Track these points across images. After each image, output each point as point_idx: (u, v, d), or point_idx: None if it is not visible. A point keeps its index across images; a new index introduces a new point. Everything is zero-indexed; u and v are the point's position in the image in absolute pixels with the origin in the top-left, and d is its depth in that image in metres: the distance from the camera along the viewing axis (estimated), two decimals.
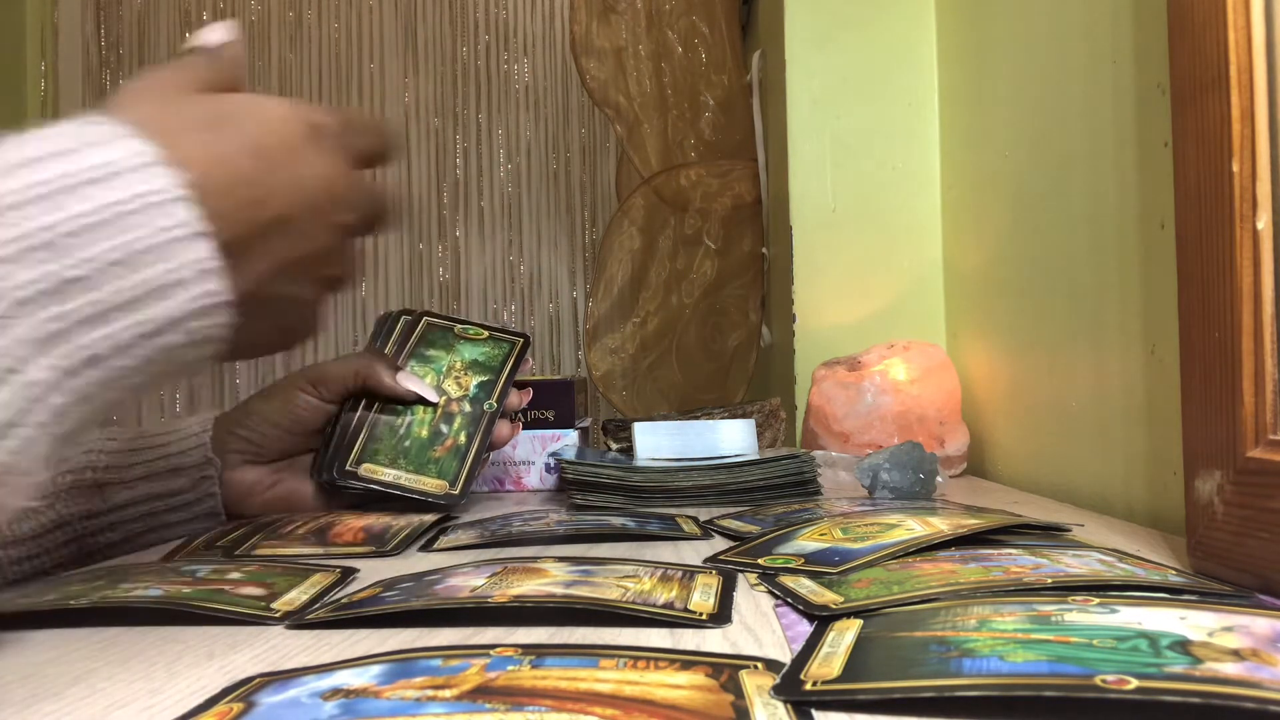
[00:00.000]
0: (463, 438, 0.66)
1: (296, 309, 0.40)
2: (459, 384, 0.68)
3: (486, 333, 0.72)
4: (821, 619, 0.33)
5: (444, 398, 0.67)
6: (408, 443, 0.65)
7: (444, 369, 0.69)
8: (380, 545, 0.52)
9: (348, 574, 0.45)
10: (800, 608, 0.35)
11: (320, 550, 0.52)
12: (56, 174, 0.30)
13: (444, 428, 0.66)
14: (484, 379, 0.69)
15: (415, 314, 0.72)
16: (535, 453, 0.82)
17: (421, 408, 0.67)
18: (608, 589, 0.37)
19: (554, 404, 0.83)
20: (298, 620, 0.36)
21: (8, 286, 0.28)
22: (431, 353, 0.70)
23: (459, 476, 0.64)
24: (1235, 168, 0.38)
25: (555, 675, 0.27)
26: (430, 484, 0.63)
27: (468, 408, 0.67)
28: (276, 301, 0.38)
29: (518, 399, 0.70)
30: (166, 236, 0.31)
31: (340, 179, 0.39)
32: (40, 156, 0.30)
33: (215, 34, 0.40)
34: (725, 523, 0.57)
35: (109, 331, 0.30)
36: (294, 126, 0.38)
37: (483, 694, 0.25)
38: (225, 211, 0.34)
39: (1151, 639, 0.27)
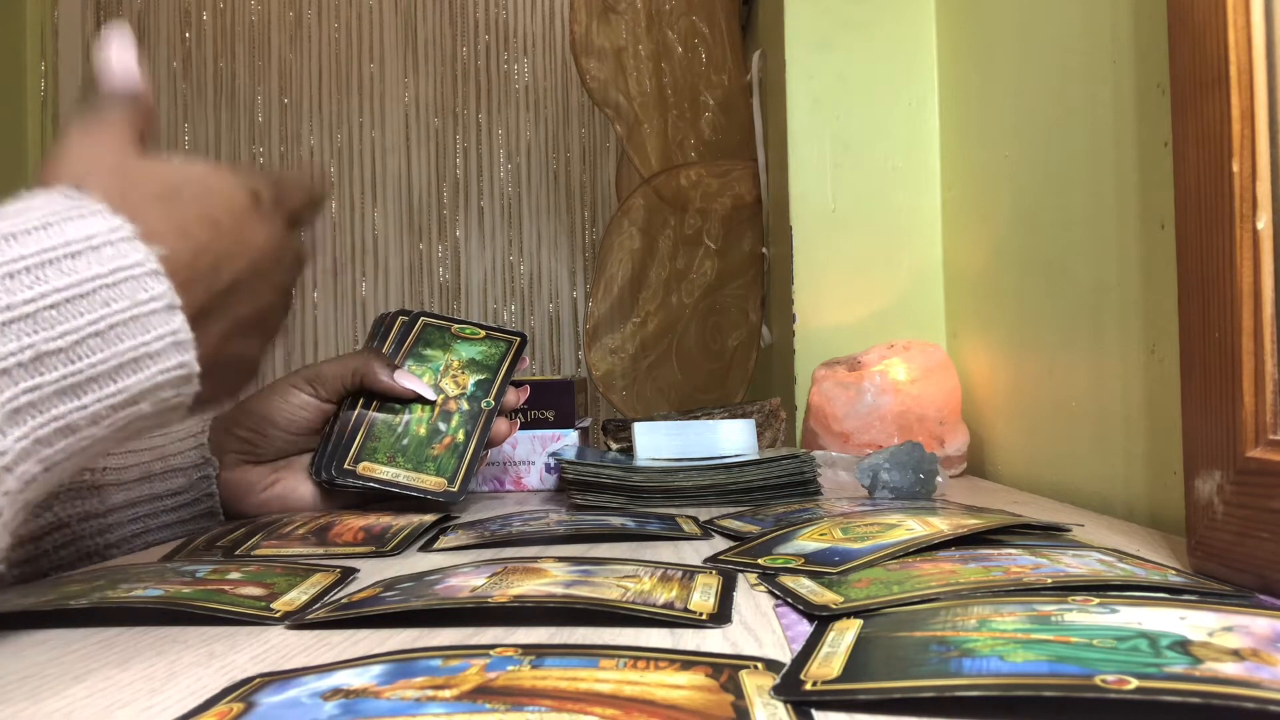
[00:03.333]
0: (461, 435, 0.66)
1: (244, 364, 0.42)
2: (456, 382, 0.68)
3: (483, 332, 0.72)
4: (821, 619, 0.33)
5: (441, 396, 0.67)
6: (406, 441, 0.65)
7: (441, 368, 0.69)
8: (380, 545, 0.52)
9: (348, 574, 0.45)
10: (800, 608, 0.35)
11: (320, 550, 0.52)
12: (36, 248, 0.31)
13: (442, 426, 0.66)
14: (481, 377, 0.69)
15: (412, 314, 0.72)
16: (535, 453, 0.82)
17: (420, 406, 0.67)
18: (608, 589, 0.37)
19: (554, 404, 0.83)
20: (298, 620, 0.36)
21: None
22: (428, 352, 0.70)
23: (457, 474, 0.64)
24: (1235, 168, 0.38)
25: (555, 675, 0.27)
26: (429, 481, 0.63)
27: (465, 406, 0.67)
28: (230, 360, 0.40)
29: (515, 397, 0.70)
30: (144, 309, 0.32)
31: (279, 241, 0.41)
32: (18, 231, 0.31)
33: (116, 51, 0.40)
34: (725, 523, 0.57)
35: (83, 403, 0.31)
36: (239, 195, 0.39)
37: (483, 694, 0.25)
38: (189, 282, 0.35)
39: (1151, 639, 0.27)
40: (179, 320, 0.33)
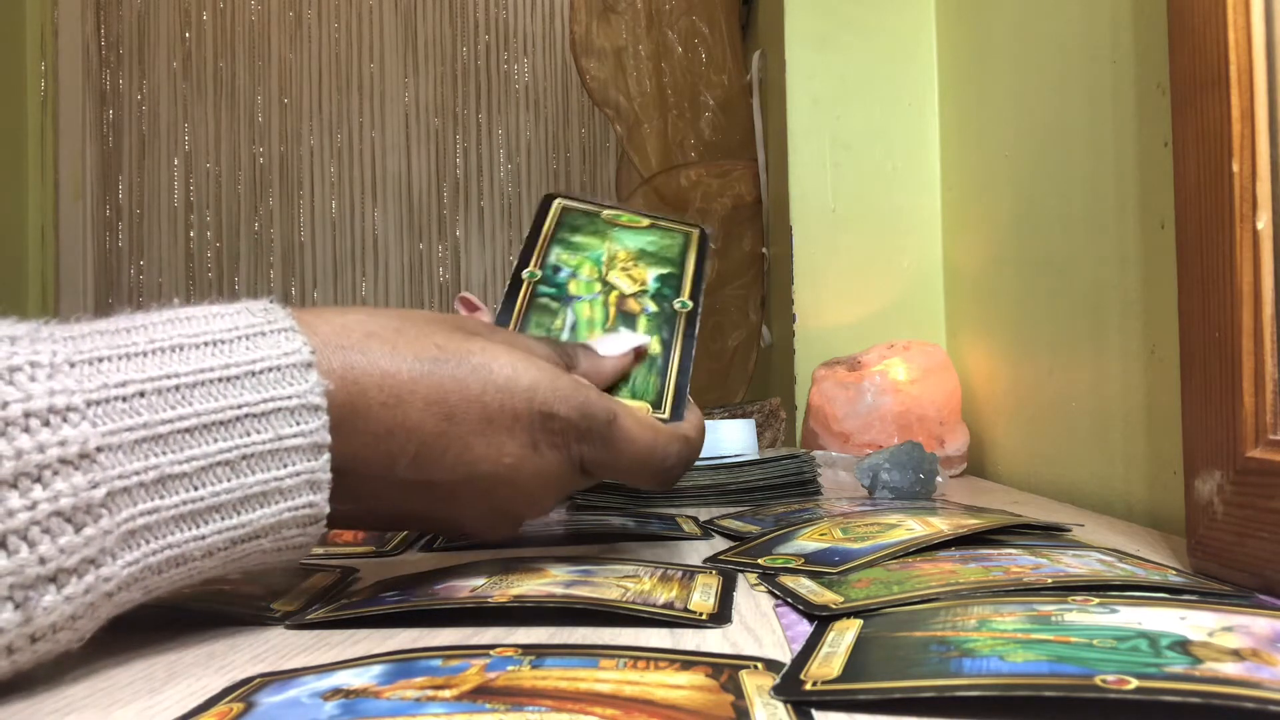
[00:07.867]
0: (656, 345, 0.46)
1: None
2: (630, 276, 0.49)
3: (647, 220, 0.53)
4: (821, 619, 0.33)
5: (615, 292, 0.48)
6: None
7: (603, 258, 0.50)
8: (380, 545, 0.52)
9: (348, 574, 0.45)
10: (800, 608, 0.35)
11: (320, 550, 0.52)
12: (196, 367, 0.29)
13: (625, 331, 0.47)
14: (664, 271, 0.50)
15: (545, 199, 0.53)
16: None
17: (587, 306, 0.47)
18: (608, 589, 0.37)
19: None
20: (298, 620, 0.36)
21: (110, 475, 0.27)
22: (579, 239, 0.51)
23: (664, 395, 0.44)
24: (1235, 168, 0.38)
25: (555, 675, 0.27)
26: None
27: (651, 306, 0.48)
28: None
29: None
30: (287, 444, 0.30)
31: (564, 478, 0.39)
32: (187, 343, 0.29)
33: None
34: (725, 523, 0.57)
35: (201, 533, 0.29)
36: (467, 323, 0.38)
37: (483, 694, 0.25)
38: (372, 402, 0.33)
39: (1151, 639, 0.27)
40: (322, 461, 0.31)
